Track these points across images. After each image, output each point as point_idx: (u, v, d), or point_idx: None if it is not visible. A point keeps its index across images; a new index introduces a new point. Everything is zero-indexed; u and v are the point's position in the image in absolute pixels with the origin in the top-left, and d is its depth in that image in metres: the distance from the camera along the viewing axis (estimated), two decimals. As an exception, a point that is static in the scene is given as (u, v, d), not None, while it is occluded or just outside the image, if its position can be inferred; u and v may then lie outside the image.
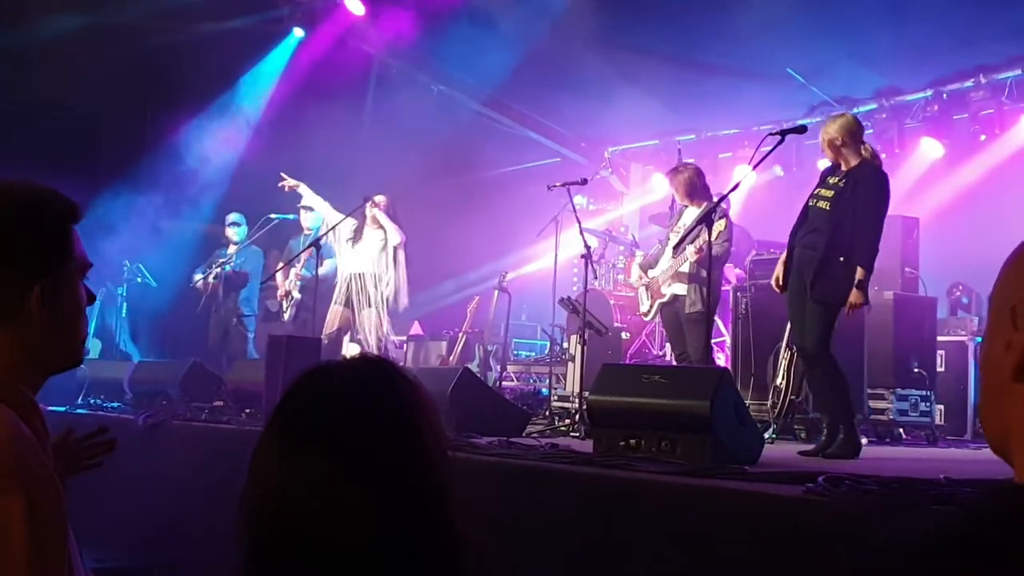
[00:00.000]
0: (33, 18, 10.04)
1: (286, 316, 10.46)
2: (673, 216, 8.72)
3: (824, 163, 6.78)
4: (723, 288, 8.75)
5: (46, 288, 1.83)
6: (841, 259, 6.21)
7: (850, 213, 6.25)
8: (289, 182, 9.75)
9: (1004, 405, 1.16)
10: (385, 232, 9.46)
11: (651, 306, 8.40)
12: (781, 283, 6.57)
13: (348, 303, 9.52)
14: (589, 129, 13.91)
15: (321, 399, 1.52)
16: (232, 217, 10.93)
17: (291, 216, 10.67)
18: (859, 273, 6.17)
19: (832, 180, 6.45)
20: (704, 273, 7.63)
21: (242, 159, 11.72)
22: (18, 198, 1.84)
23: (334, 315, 9.54)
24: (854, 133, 6.41)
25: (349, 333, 9.66)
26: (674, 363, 8.60)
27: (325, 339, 9.35)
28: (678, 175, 8.16)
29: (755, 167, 6.61)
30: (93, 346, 10.87)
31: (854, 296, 6.15)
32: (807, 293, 6.33)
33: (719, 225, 7.54)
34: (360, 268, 9.50)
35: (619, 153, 14.54)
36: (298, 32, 12.27)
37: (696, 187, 8.03)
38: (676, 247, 7.92)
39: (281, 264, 10.36)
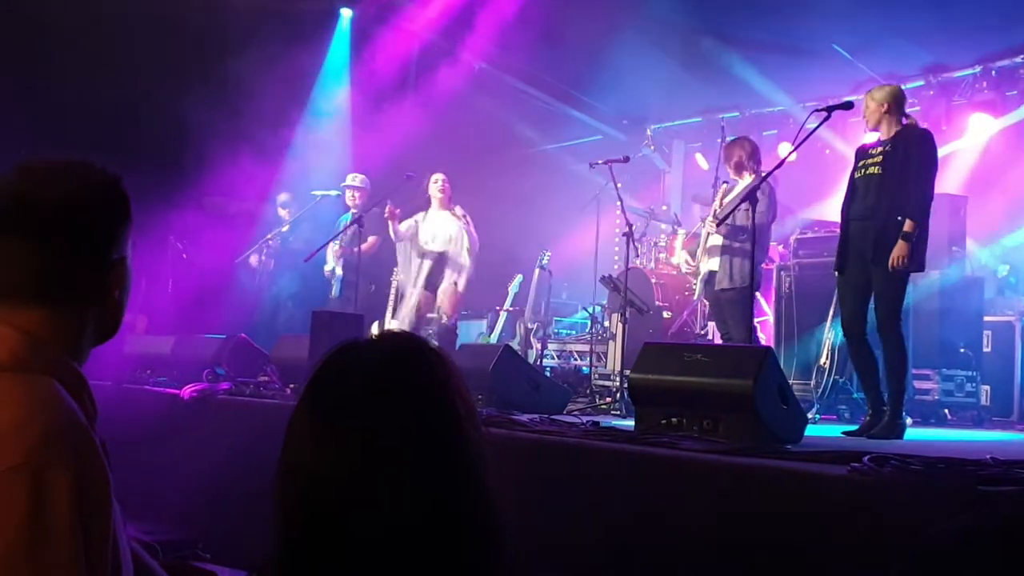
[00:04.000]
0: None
1: (333, 293, 10.56)
2: (716, 194, 8.67)
3: (871, 136, 6.75)
4: (765, 267, 8.65)
5: (123, 266, 1.87)
6: (899, 219, 6.16)
7: (904, 171, 6.23)
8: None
9: None
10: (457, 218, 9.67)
11: (695, 285, 8.40)
12: (841, 267, 6.53)
13: (422, 284, 9.69)
14: (631, 106, 13.82)
15: (350, 375, 1.54)
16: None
17: (334, 192, 10.74)
18: (907, 225, 6.12)
19: (876, 150, 6.46)
20: (736, 245, 7.61)
21: (288, 136, 11.78)
22: (90, 177, 1.86)
23: (418, 298, 9.69)
24: (900, 102, 6.52)
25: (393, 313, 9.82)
26: (716, 342, 8.57)
27: (406, 322, 9.46)
28: (731, 150, 8.10)
29: (799, 144, 6.56)
30: (139, 321, 10.99)
31: (898, 248, 6.09)
32: (868, 264, 6.28)
33: (760, 200, 7.49)
34: (438, 247, 9.66)
35: (661, 131, 14.45)
36: (346, 12, 12.31)
37: (743, 163, 7.96)
38: (718, 224, 7.86)
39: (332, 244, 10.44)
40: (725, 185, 8.23)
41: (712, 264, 8.02)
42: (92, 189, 1.84)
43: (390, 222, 9.45)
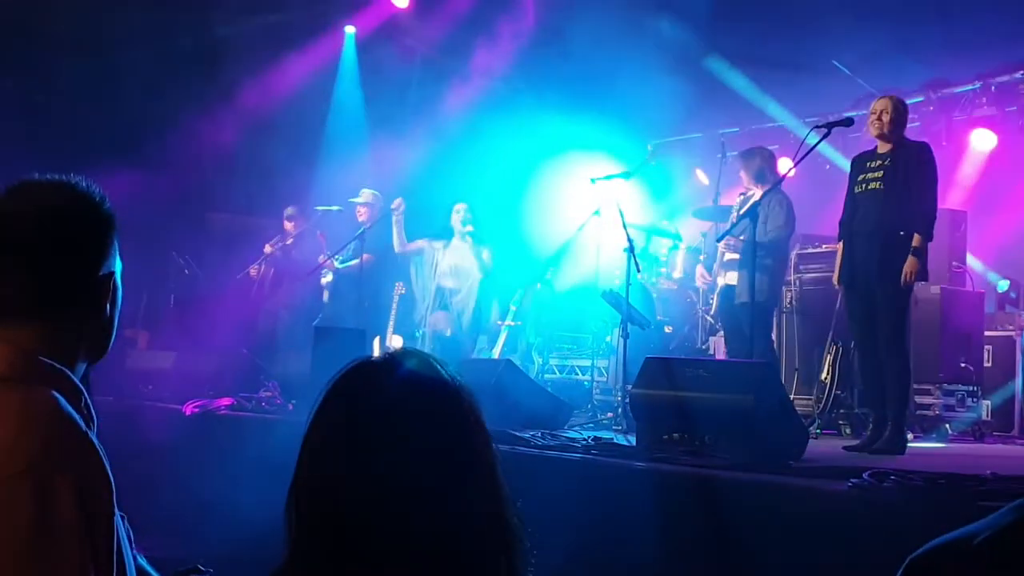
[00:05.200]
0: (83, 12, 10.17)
1: (325, 297, 10.65)
2: (726, 209, 8.65)
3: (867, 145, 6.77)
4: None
5: (112, 281, 1.90)
6: (902, 233, 6.17)
7: (906, 186, 6.23)
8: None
9: None
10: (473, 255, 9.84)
11: (713, 300, 8.35)
12: (841, 281, 6.53)
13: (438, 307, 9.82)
14: (632, 122, 13.82)
15: (367, 392, 1.55)
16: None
17: (335, 207, 10.75)
18: (915, 240, 6.13)
19: (875, 163, 6.44)
20: (756, 259, 7.57)
21: (288, 151, 11.80)
22: (75, 196, 1.90)
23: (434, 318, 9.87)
24: (903, 113, 6.52)
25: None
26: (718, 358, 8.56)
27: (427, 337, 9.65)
28: (750, 160, 8.01)
29: (799, 160, 6.57)
30: (141, 337, 11.01)
31: (909, 264, 6.10)
32: (872, 280, 6.29)
33: (775, 213, 7.50)
34: (455, 284, 9.80)
35: (662, 146, 14.45)
36: (349, 29, 12.35)
37: (765, 174, 7.89)
38: (720, 238, 7.83)
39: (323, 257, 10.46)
40: (741, 197, 8.15)
41: (730, 279, 7.97)
42: (77, 208, 1.89)
43: (395, 220, 9.56)
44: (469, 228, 9.90)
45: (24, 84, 10.38)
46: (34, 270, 1.82)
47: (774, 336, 8.70)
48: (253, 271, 11.18)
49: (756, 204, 6.97)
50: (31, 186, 1.89)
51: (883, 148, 6.46)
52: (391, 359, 1.61)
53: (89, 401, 1.83)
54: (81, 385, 1.84)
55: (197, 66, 11.10)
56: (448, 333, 9.76)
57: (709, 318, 9.47)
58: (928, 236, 6.20)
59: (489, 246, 10.01)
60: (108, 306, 1.92)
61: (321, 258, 10.21)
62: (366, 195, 10.51)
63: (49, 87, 10.60)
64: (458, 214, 9.90)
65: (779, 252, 7.70)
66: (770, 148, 8.30)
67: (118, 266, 1.96)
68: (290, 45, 11.65)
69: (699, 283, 8.85)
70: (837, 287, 6.67)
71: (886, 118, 6.41)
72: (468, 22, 11.57)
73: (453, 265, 9.80)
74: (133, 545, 1.92)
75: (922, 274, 6.24)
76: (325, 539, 1.47)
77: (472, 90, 12.64)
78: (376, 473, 1.46)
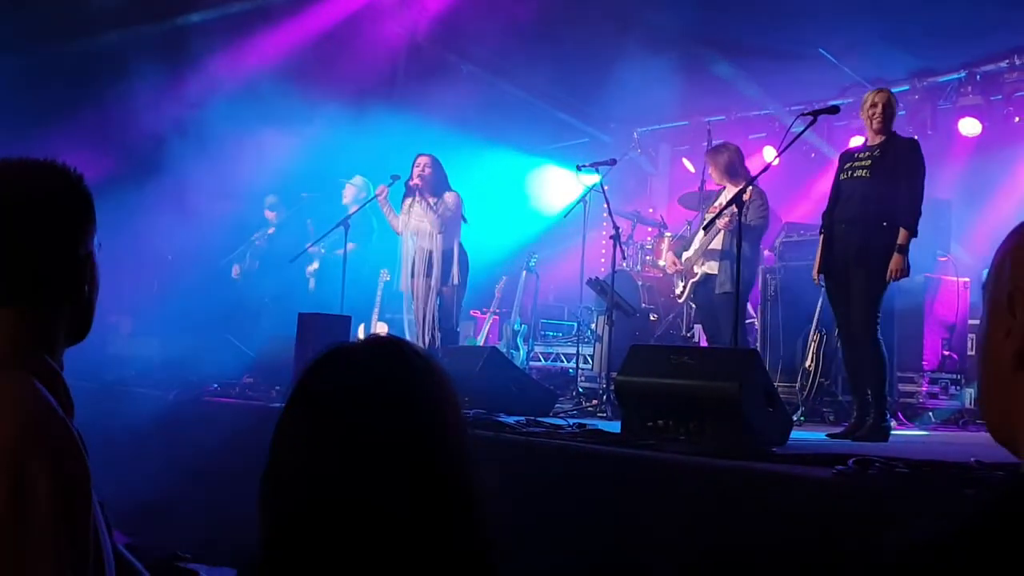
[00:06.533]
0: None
1: (311, 285, 10.63)
2: (710, 197, 8.67)
3: (857, 140, 6.79)
4: (762, 266, 8.59)
5: (90, 262, 1.89)
6: (885, 224, 6.19)
7: (892, 178, 6.26)
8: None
9: (1007, 394, 1.14)
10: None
11: (684, 287, 8.36)
12: (821, 271, 6.53)
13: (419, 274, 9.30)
14: (617, 109, 13.82)
15: (338, 378, 1.54)
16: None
17: (317, 194, 10.76)
18: (901, 236, 6.15)
19: (863, 154, 6.48)
20: (736, 250, 7.59)
21: (275, 138, 11.76)
22: (53, 176, 1.88)
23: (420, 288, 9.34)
24: (896, 107, 6.58)
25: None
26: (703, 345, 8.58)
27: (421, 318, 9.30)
28: (719, 155, 8.07)
29: (784, 148, 6.57)
30: (124, 323, 10.97)
31: (895, 261, 6.12)
32: (849, 266, 6.30)
33: (756, 204, 7.53)
34: (421, 244, 9.30)
35: (648, 134, 14.45)
36: (332, 12, 12.28)
37: (736, 168, 7.96)
38: (707, 227, 7.86)
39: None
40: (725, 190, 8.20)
41: (710, 268, 8.00)
42: (55, 188, 1.87)
43: (381, 205, 9.29)
44: (417, 182, 9.01)
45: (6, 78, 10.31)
46: (11, 252, 1.80)
47: (757, 324, 8.74)
48: (235, 271, 11.17)
49: (741, 193, 6.98)
50: (6, 167, 1.87)
51: (874, 141, 6.48)
52: (363, 346, 1.60)
53: (67, 387, 1.82)
54: (59, 370, 1.83)
55: (173, 47, 11.04)
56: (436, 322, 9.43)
57: (692, 303, 9.47)
58: (913, 232, 6.21)
59: (443, 196, 9.12)
60: (87, 287, 1.90)
61: (309, 246, 10.15)
62: (357, 179, 10.45)
63: (29, 70, 10.52)
64: (416, 168, 9.09)
65: (757, 243, 7.78)
66: (745, 140, 8.32)
67: (96, 247, 1.94)
68: (270, 26, 11.58)
69: (669, 269, 8.83)
70: (817, 282, 6.66)
71: (889, 112, 6.45)
72: (453, 10, 11.52)
73: (414, 228, 9.16)
74: (112, 532, 1.91)
75: (907, 271, 6.26)
76: (294, 530, 1.46)
77: (457, 77, 12.61)
78: (342, 463, 1.45)
